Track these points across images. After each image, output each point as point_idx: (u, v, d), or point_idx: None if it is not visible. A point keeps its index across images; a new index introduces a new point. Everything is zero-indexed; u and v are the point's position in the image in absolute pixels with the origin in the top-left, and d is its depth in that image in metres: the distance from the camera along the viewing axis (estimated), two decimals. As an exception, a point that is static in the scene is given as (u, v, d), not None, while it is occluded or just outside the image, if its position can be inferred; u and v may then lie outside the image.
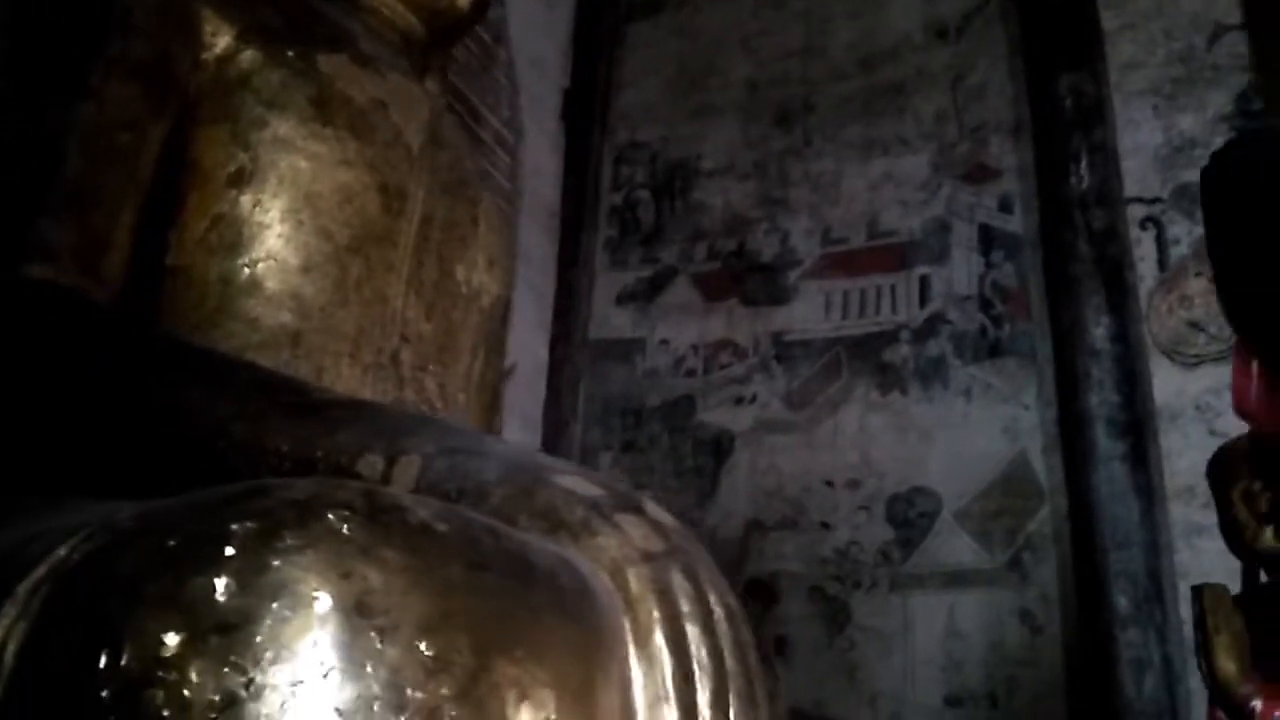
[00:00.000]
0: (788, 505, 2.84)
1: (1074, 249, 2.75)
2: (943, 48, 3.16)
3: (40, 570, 0.48)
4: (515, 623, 0.47)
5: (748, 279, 3.14)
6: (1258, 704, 1.27)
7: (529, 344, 3.01)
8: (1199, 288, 2.56)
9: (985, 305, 2.89)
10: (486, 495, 0.61)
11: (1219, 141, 2.26)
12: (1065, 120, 2.83)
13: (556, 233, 3.30)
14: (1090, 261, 2.72)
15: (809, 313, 3.04)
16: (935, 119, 3.10)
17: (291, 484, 0.47)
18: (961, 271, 2.95)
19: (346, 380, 1.08)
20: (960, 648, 2.56)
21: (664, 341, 3.14)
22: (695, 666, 0.55)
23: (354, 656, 0.42)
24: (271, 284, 1.04)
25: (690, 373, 3.08)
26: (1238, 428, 1.57)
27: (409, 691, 0.42)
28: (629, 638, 0.55)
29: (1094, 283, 2.70)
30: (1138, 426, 2.54)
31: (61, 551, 0.49)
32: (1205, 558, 2.26)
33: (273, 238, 1.06)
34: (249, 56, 1.10)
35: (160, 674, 0.40)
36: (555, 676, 0.47)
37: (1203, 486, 1.73)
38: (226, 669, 0.40)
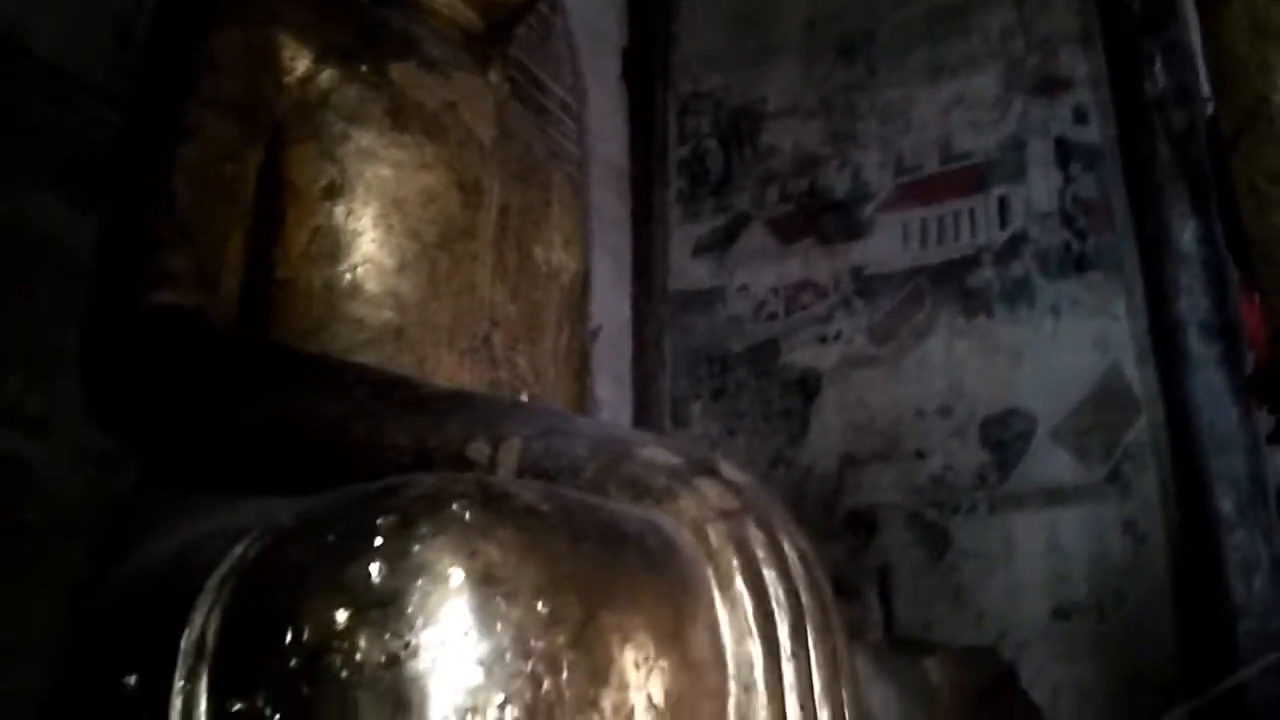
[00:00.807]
0: (879, 438, 2.88)
1: (1154, 154, 2.68)
2: (1004, -39, 3.08)
3: (225, 566, 0.60)
4: (613, 581, 0.56)
5: (822, 217, 3.14)
6: None
7: (611, 304, 3.08)
8: (1288, 181, 2.49)
9: (1067, 220, 2.84)
10: (579, 470, 0.70)
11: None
12: (1135, 22, 2.75)
13: (627, 193, 3.34)
14: (1172, 165, 2.66)
15: (887, 245, 3.03)
16: (1001, 35, 3.04)
17: (419, 480, 0.57)
18: (1040, 188, 2.90)
19: (446, 367, 1.17)
20: (1064, 563, 2.58)
21: (743, 288, 3.17)
22: (774, 605, 0.64)
23: (485, 618, 0.52)
24: (371, 286, 1.13)
25: (772, 316, 3.11)
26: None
27: (532, 642, 0.52)
28: (713, 585, 0.63)
29: (1177, 186, 2.63)
30: (1231, 329, 2.49)
31: (238, 550, 0.60)
32: (1309, 457, 2.24)
33: (367, 243, 1.14)
34: (327, 76, 1.18)
35: (336, 643, 0.51)
36: (650, 622, 0.56)
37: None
38: (388, 635, 0.51)
